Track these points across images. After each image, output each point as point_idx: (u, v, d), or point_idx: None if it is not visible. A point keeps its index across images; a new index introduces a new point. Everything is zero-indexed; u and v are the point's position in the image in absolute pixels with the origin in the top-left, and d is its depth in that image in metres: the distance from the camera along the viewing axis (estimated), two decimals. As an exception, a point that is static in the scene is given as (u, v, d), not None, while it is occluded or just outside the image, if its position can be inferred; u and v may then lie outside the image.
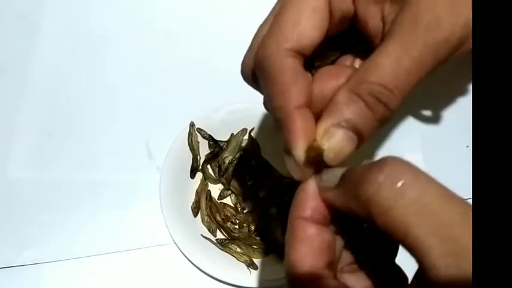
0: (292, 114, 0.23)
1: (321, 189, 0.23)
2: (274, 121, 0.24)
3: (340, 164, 0.23)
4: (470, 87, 0.49)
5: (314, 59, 0.27)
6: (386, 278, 0.24)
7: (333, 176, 0.22)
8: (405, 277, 0.24)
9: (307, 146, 0.23)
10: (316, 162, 0.23)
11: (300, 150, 0.23)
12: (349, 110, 0.23)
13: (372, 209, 0.19)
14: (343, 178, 0.22)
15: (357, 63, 0.29)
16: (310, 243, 0.22)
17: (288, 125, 0.23)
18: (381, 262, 0.24)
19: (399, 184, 0.19)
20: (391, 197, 0.19)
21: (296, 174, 0.24)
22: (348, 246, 0.24)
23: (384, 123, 0.24)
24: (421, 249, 0.18)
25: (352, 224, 0.24)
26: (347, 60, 0.29)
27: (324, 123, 0.23)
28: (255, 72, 0.26)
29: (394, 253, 0.24)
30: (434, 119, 0.48)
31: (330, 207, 0.23)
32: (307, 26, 0.24)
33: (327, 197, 0.22)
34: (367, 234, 0.24)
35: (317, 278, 0.21)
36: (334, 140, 0.23)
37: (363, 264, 0.24)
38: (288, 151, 0.24)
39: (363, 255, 0.24)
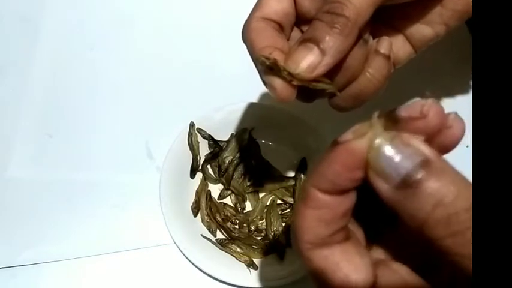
0: (256, 48, 0.28)
1: (371, 173, 0.19)
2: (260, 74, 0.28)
3: (311, 77, 0.26)
4: (470, 87, 0.49)
5: None
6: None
7: (392, 167, 0.18)
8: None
9: (263, 54, 0.27)
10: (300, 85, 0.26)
11: (257, 52, 0.27)
12: (307, 31, 0.27)
13: (432, 242, 0.18)
14: (408, 183, 0.18)
15: None
16: (320, 214, 0.20)
17: (250, 44, 0.29)
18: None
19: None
20: (464, 253, 0.18)
21: (273, 90, 0.27)
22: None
23: (349, 37, 0.26)
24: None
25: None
26: None
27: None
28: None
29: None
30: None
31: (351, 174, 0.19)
32: (272, 0, 0.30)
33: (376, 186, 0.19)
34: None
35: (322, 247, 0.20)
36: (293, 50, 0.26)
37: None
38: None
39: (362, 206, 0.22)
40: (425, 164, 0.18)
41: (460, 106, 0.48)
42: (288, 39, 0.31)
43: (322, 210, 0.20)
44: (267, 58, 0.26)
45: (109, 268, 0.41)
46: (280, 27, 0.30)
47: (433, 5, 0.32)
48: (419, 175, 0.17)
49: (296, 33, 0.32)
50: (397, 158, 0.18)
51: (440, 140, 0.20)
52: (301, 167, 0.44)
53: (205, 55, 0.50)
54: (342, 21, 0.26)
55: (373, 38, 0.31)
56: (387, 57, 0.31)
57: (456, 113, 0.20)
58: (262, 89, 0.48)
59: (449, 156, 0.50)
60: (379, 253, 0.23)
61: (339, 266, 0.20)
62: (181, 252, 0.40)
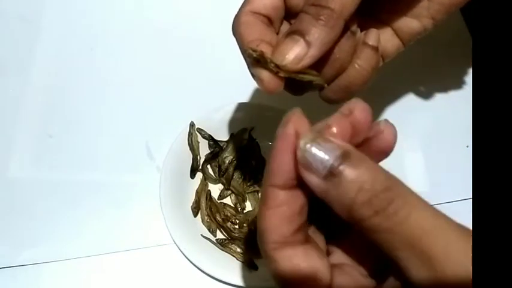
0: (245, 41, 0.29)
1: (301, 168, 0.21)
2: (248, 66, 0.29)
3: (298, 69, 0.27)
4: (470, 87, 0.49)
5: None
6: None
7: (318, 161, 0.20)
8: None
9: (251, 47, 0.27)
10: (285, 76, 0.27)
11: (245, 45, 0.28)
12: (293, 24, 0.27)
13: (363, 225, 0.20)
14: (332, 173, 0.20)
15: None
16: (281, 211, 0.22)
17: (239, 37, 0.29)
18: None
19: (400, 214, 0.20)
20: (386, 227, 0.19)
21: (260, 82, 0.28)
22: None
23: (334, 28, 0.27)
24: (402, 266, 0.20)
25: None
26: None
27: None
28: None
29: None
30: (434, 119, 0.48)
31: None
32: None
33: (306, 179, 0.21)
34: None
35: (286, 247, 0.22)
36: (279, 42, 0.27)
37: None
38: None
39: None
40: (345, 155, 0.20)
41: (460, 106, 0.48)
42: (277, 33, 0.31)
43: (282, 208, 0.22)
44: (254, 50, 0.27)
45: (109, 268, 0.41)
46: (269, 20, 0.30)
47: None
48: (341, 166, 0.20)
49: (285, 27, 0.32)
50: (321, 154, 0.20)
51: (375, 145, 0.23)
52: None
53: (206, 55, 0.50)
54: (327, 13, 0.26)
55: (361, 31, 0.32)
56: (375, 49, 0.31)
57: (386, 120, 0.23)
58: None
59: (449, 156, 0.50)
60: (337, 257, 0.24)
61: (299, 267, 0.22)
62: (181, 252, 0.40)
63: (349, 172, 0.20)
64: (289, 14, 0.31)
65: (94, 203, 0.43)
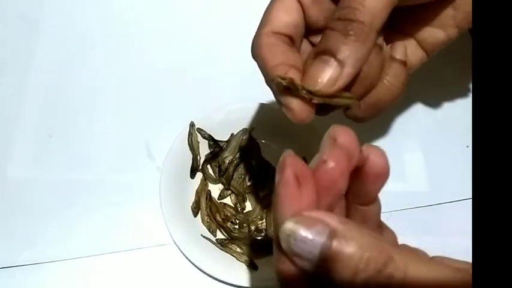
0: (269, 65, 0.27)
1: (294, 257, 0.20)
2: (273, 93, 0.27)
3: (334, 92, 0.25)
4: (470, 87, 0.49)
5: None
6: None
7: (306, 251, 0.19)
8: None
9: (278, 74, 0.25)
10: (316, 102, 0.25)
11: (272, 74, 0.26)
12: (320, 43, 0.25)
13: None
14: (325, 260, 0.19)
15: None
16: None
17: (262, 61, 0.27)
18: None
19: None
20: None
21: (291, 112, 0.26)
22: None
23: (367, 43, 0.25)
24: None
25: None
26: None
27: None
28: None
29: None
30: (435, 119, 0.48)
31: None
32: (280, 12, 0.29)
33: (300, 265, 0.20)
34: None
35: None
36: (308, 65, 0.25)
37: None
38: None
39: None
40: (332, 235, 0.19)
41: (460, 106, 0.48)
42: (298, 52, 0.29)
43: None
44: (283, 78, 0.25)
45: (109, 268, 0.41)
46: (291, 40, 0.29)
47: (445, 7, 0.31)
48: (331, 251, 0.19)
49: (305, 45, 0.30)
50: (306, 245, 0.19)
51: (368, 172, 0.22)
52: (301, 167, 0.44)
53: (206, 55, 0.50)
54: (357, 27, 0.24)
55: (386, 45, 0.31)
56: (404, 63, 0.30)
57: (368, 144, 0.22)
58: (262, 89, 0.48)
59: (449, 156, 0.50)
60: None
61: None
62: (181, 252, 0.40)
63: (341, 256, 0.19)
64: (309, 30, 0.30)
65: (94, 203, 0.43)
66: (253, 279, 0.40)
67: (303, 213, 0.20)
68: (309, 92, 0.25)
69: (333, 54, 0.24)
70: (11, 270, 0.40)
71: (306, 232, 0.19)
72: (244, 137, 0.45)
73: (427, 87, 0.49)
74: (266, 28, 0.28)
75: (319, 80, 0.25)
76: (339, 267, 0.19)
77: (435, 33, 0.32)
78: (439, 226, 0.43)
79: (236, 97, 0.46)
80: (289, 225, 0.19)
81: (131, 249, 0.41)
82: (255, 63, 0.49)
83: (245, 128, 0.45)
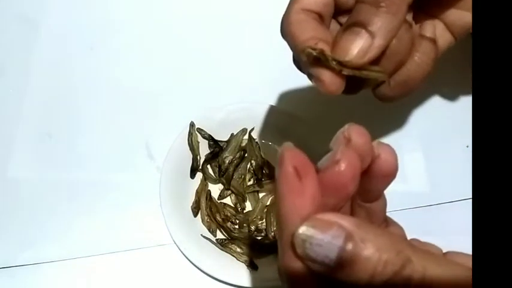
0: (299, 40, 0.26)
1: (309, 263, 0.19)
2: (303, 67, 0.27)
3: (365, 63, 0.24)
4: (470, 87, 0.49)
5: None
6: None
7: (322, 255, 0.19)
8: None
9: (309, 45, 0.25)
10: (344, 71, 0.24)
11: (300, 44, 0.26)
12: (351, 16, 0.25)
13: None
14: (342, 264, 0.19)
15: None
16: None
17: (292, 37, 0.27)
18: None
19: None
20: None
21: (321, 83, 0.25)
22: None
23: (398, 15, 0.24)
24: None
25: None
26: None
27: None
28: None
29: None
30: (435, 119, 0.48)
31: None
32: None
33: (316, 270, 0.19)
34: None
35: None
36: (339, 37, 0.25)
37: None
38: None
39: None
40: (348, 238, 0.19)
41: (460, 106, 0.48)
42: (328, 29, 0.29)
43: None
44: (313, 49, 0.25)
45: (109, 268, 0.41)
46: (320, 18, 0.28)
47: None
48: (348, 254, 0.18)
49: (334, 26, 0.30)
50: (322, 250, 0.19)
51: (377, 171, 0.21)
52: (301, 167, 0.44)
53: (206, 55, 0.50)
54: (395, 2, 0.24)
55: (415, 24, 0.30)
56: (433, 41, 0.30)
57: (379, 142, 0.22)
58: (262, 88, 0.48)
59: (449, 156, 0.50)
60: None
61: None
62: (181, 252, 0.40)
63: (358, 259, 0.18)
64: (337, 11, 0.30)
65: (94, 203, 0.43)
66: (253, 279, 0.40)
67: (316, 216, 0.19)
68: (339, 62, 0.24)
69: (364, 26, 0.24)
70: (11, 270, 0.40)
71: (322, 236, 0.19)
72: (244, 137, 0.45)
73: (427, 87, 0.49)
74: (296, 5, 0.28)
75: (350, 51, 0.24)
76: (357, 270, 0.18)
77: (463, 16, 0.32)
78: (439, 226, 0.43)
79: (236, 97, 0.46)
80: (303, 230, 0.19)
81: (131, 249, 0.41)
82: (255, 64, 0.49)
83: (245, 128, 0.45)
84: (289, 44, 0.28)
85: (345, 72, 0.24)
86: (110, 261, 0.41)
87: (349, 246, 0.18)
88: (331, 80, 0.25)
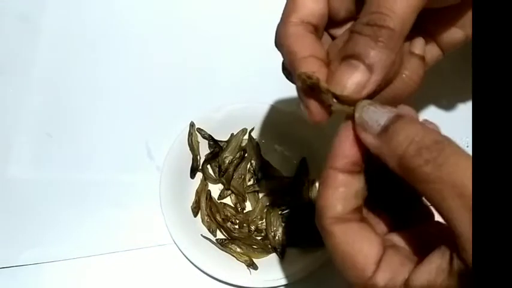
0: (296, 58, 0.26)
1: (359, 129, 0.23)
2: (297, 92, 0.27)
3: (359, 97, 0.24)
4: (470, 86, 0.49)
5: None
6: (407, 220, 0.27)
7: (374, 120, 0.23)
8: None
9: (305, 72, 0.25)
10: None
11: (299, 69, 0.25)
12: (347, 47, 0.25)
13: (414, 176, 0.21)
14: (386, 129, 0.22)
15: None
16: (339, 192, 0.24)
17: (288, 51, 0.27)
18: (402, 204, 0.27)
19: (450, 163, 0.21)
20: (436, 176, 0.21)
21: (308, 112, 0.26)
22: (372, 186, 0.25)
23: (395, 49, 0.25)
24: (453, 225, 0.20)
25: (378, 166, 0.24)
26: None
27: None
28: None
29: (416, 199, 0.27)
30: (434, 119, 0.48)
31: (362, 146, 0.24)
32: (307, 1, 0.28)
33: (362, 138, 0.23)
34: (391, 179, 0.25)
35: (343, 222, 0.24)
36: (335, 69, 0.25)
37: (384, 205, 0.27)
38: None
39: (385, 196, 0.27)
40: (398, 116, 0.23)
41: (460, 106, 0.48)
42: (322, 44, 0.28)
43: (339, 189, 0.24)
44: (309, 77, 0.24)
45: (109, 268, 0.41)
46: (316, 30, 0.28)
47: (467, 8, 0.31)
48: (394, 124, 0.22)
49: (325, 37, 0.30)
50: (375, 114, 0.23)
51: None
52: (301, 167, 0.44)
53: (206, 55, 0.50)
54: (387, 34, 0.24)
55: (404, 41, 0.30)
56: (422, 58, 0.30)
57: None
58: (262, 88, 0.48)
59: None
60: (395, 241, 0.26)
61: (354, 239, 0.24)
62: (181, 252, 0.40)
63: (400, 127, 0.22)
64: (329, 23, 0.29)
65: (94, 203, 0.43)
66: (253, 279, 0.40)
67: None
68: (334, 95, 0.24)
69: (362, 60, 0.24)
70: (11, 270, 0.40)
71: (379, 107, 0.23)
72: (244, 137, 0.45)
73: (427, 87, 0.49)
74: (294, 16, 0.27)
75: (348, 85, 0.24)
76: (397, 137, 0.22)
77: (454, 33, 0.32)
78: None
79: (236, 97, 0.46)
80: (365, 102, 0.24)
81: (131, 249, 0.41)
82: (255, 64, 0.49)
83: (245, 128, 0.45)
84: (284, 57, 0.28)
85: (335, 108, 0.25)
86: (110, 261, 0.41)
87: (398, 119, 0.22)
88: (318, 111, 0.25)
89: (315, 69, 0.25)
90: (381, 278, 0.23)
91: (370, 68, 0.24)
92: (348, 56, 0.24)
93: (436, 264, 0.21)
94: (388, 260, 0.23)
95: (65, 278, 0.40)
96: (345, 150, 0.24)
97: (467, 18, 0.31)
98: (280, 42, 0.28)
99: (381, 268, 0.23)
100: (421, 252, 0.24)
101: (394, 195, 0.27)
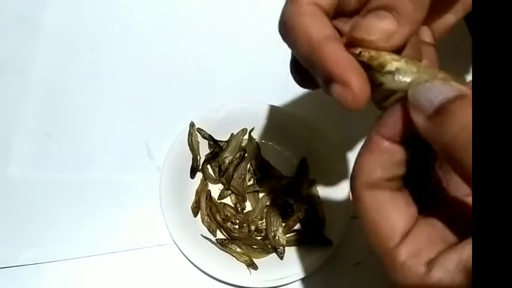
0: (318, 38, 0.22)
1: (411, 107, 0.21)
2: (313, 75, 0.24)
3: (389, 47, 0.22)
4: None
5: None
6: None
7: (428, 100, 0.21)
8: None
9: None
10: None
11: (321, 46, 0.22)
12: (373, 1, 0.23)
13: (461, 165, 0.20)
14: (440, 112, 0.20)
15: None
16: (382, 157, 0.23)
17: (304, 31, 0.23)
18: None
19: None
20: None
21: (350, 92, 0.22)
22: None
23: (422, 6, 0.23)
24: None
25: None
26: None
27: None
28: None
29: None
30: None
31: (410, 124, 0.22)
32: None
33: (413, 117, 0.21)
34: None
35: (376, 189, 0.23)
36: (361, 19, 0.23)
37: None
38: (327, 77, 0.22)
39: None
40: (459, 97, 0.20)
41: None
42: None
43: (383, 155, 0.23)
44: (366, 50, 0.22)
45: (109, 268, 0.41)
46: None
47: None
48: (451, 105, 0.20)
49: None
50: (430, 93, 0.21)
51: None
52: (301, 167, 0.44)
53: (206, 55, 0.50)
54: None
55: None
56: (433, 46, 0.29)
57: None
58: (262, 89, 0.48)
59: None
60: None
61: (383, 206, 0.23)
62: (181, 252, 0.40)
63: (454, 112, 0.20)
64: (337, 12, 0.26)
65: (94, 203, 0.43)
66: (253, 279, 0.40)
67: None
68: (359, 40, 0.22)
69: (391, 11, 0.22)
70: (11, 270, 0.40)
71: (436, 84, 0.21)
72: (244, 137, 0.45)
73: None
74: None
75: (375, 31, 0.22)
76: (449, 121, 0.20)
77: (447, 18, 0.31)
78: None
79: (236, 97, 0.46)
80: (421, 78, 0.21)
81: (131, 249, 0.41)
82: (255, 64, 0.49)
83: (245, 128, 0.45)
84: (295, 42, 0.23)
85: (385, 87, 0.22)
86: (110, 261, 0.41)
87: (457, 99, 0.20)
88: (362, 88, 0.22)
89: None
90: (404, 251, 0.22)
91: (399, 19, 0.22)
92: (375, 8, 0.23)
93: (470, 252, 0.20)
94: (416, 234, 0.22)
95: (65, 278, 0.40)
96: (397, 122, 0.22)
97: (460, 2, 0.31)
98: (290, 23, 0.23)
99: (407, 241, 0.22)
100: (460, 237, 0.22)
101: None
